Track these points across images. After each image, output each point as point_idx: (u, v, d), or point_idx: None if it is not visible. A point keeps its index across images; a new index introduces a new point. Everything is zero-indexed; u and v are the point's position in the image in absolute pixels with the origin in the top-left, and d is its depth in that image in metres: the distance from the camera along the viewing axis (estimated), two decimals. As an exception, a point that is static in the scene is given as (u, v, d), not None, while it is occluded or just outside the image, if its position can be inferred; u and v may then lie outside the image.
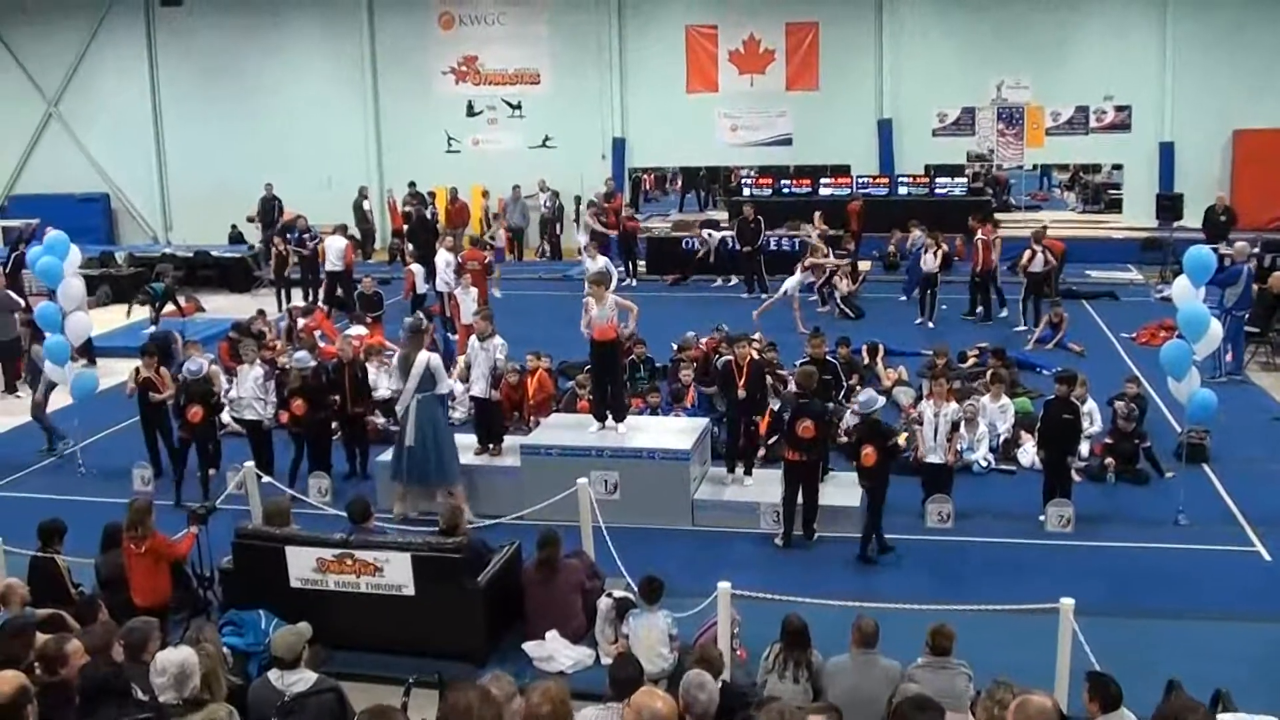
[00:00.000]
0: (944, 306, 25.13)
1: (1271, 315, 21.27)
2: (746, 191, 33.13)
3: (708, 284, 29.48)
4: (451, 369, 17.31)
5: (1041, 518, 14.32)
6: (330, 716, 7.92)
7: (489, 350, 15.71)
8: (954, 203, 30.97)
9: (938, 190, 31.87)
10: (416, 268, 25.87)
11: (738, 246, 28.40)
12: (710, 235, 29.91)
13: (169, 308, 26.66)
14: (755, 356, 15.57)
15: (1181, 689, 8.35)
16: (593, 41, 35.30)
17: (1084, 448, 15.71)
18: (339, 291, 26.65)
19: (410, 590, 11.40)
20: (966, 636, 9.37)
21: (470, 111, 36.60)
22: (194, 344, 18.10)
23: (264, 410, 16.51)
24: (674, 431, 15.71)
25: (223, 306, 28.77)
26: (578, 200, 35.00)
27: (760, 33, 34.52)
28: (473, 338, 15.72)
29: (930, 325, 24.46)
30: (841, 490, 14.84)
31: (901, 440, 14.55)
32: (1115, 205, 34.95)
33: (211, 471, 16.63)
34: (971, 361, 20.23)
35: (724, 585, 9.99)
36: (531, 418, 17.59)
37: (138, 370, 16.91)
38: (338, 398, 16.61)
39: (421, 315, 17.65)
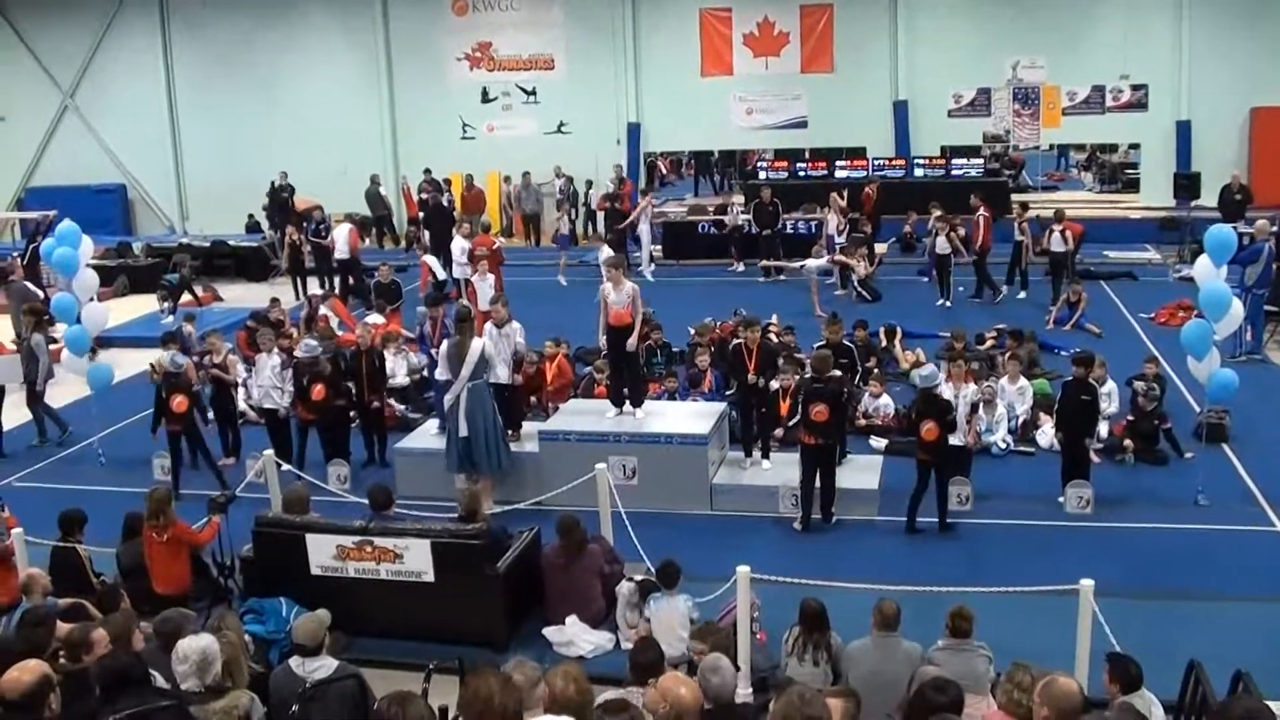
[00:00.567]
0: (960, 288, 25.09)
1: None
2: (762, 175, 33.01)
3: (724, 268, 29.42)
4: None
5: (1060, 499, 14.29)
6: (351, 703, 7.95)
7: (509, 336, 15.70)
8: (970, 184, 30.79)
9: (954, 172, 31.68)
10: (430, 259, 25.90)
11: (755, 229, 28.35)
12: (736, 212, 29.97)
13: (185, 297, 26.78)
14: (773, 339, 15.57)
15: (1204, 671, 8.34)
16: (607, 26, 35.21)
17: (1102, 428, 15.66)
18: (350, 279, 26.64)
19: (430, 576, 11.44)
20: (986, 618, 9.38)
21: (485, 98, 36.54)
22: (216, 334, 18.17)
23: (281, 399, 16.57)
24: (692, 416, 15.71)
25: (240, 295, 28.87)
26: (589, 184, 34.88)
27: (775, 15, 34.38)
28: (489, 324, 15.69)
29: (948, 305, 24.45)
30: (859, 473, 14.87)
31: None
32: (1132, 185, 34.74)
33: (231, 460, 16.76)
34: (989, 343, 20.17)
35: (743, 569, 9.99)
36: (550, 404, 17.61)
37: (159, 360, 16.98)
38: (353, 385, 16.64)
39: (466, 302, 17.59)
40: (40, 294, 23.12)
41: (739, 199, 32.32)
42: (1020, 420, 16.71)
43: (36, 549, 11.93)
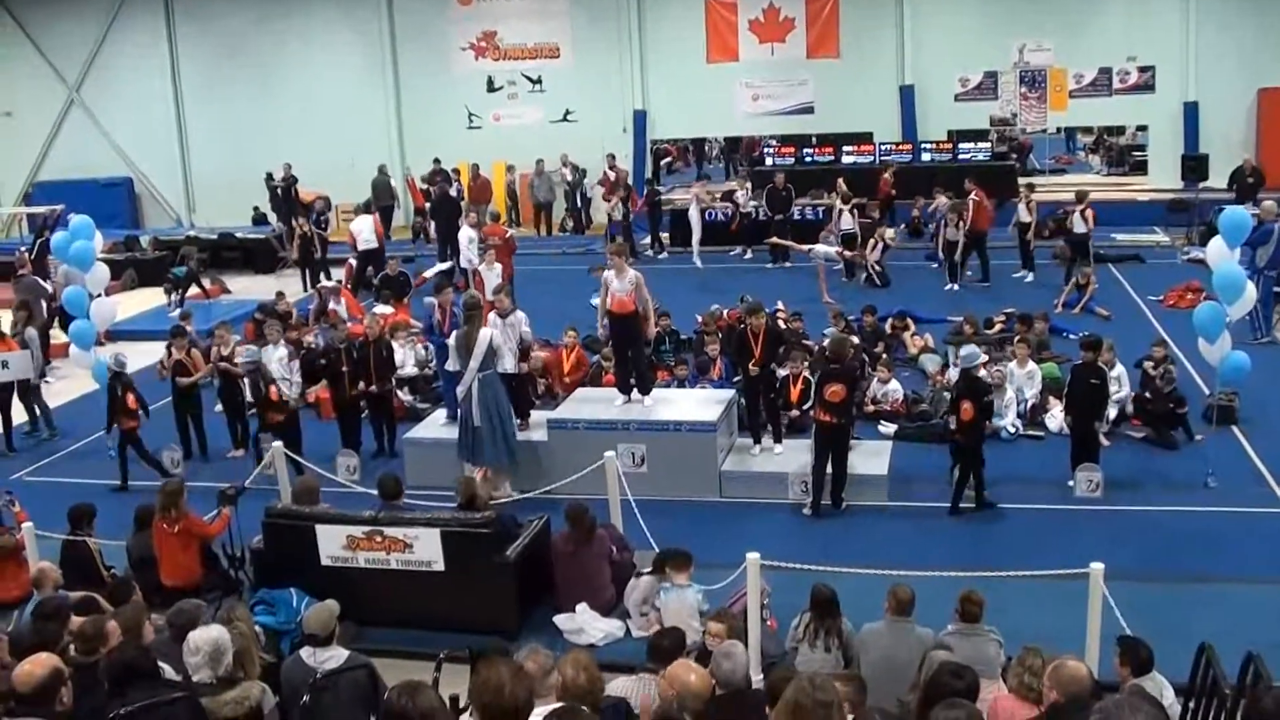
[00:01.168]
0: (969, 273, 25.08)
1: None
2: (770, 161, 32.98)
3: (726, 254, 29.39)
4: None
5: (1070, 483, 14.28)
6: (362, 693, 7.97)
7: (514, 325, 15.70)
8: (978, 168, 30.77)
9: (961, 156, 31.61)
10: (427, 272, 25.88)
11: (768, 214, 28.31)
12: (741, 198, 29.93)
13: (193, 290, 26.82)
14: (774, 324, 15.57)
15: (1214, 653, 8.33)
16: (612, 13, 35.14)
17: (1111, 412, 15.66)
18: (369, 269, 26.60)
19: (440, 565, 11.45)
20: (996, 603, 9.38)
21: (490, 87, 36.49)
22: (225, 325, 18.19)
23: (290, 390, 16.60)
24: (701, 403, 15.72)
25: (248, 287, 28.89)
26: (583, 172, 34.77)
27: (780, 1, 34.30)
28: (492, 314, 15.69)
29: (956, 289, 24.44)
30: (868, 458, 14.86)
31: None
32: (1140, 167, 34.67)
33: (240, 451, 16.81)
34: (998, 327, 20.14)
35: (753, 555, 9.99)
36: (563, 393, 17.62)
37: (169, 353, 17.03)
38: (362, 382, 16.67)
39: (475, 292, 17.60)
40: (49, 288, 23.15)
41: (746, 185, 32.28)
42: (1029, 404, 16.68)
43: (47, 543, 11.98)
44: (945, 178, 28.19)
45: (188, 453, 16.95)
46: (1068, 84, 33.28)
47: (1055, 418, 16.20)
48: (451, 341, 14.76)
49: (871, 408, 17.08)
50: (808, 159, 32.79)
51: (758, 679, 9.54)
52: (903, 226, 29.62)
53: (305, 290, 26.96)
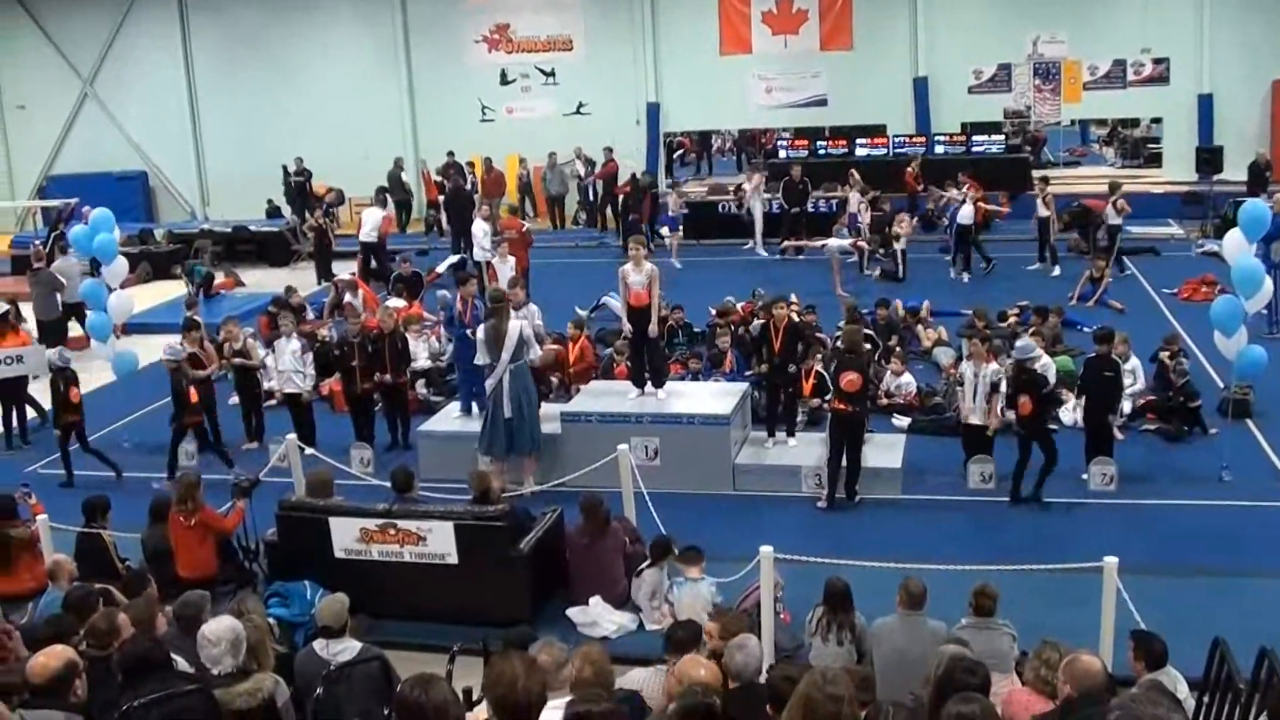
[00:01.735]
0: (982, 265, 25.01)
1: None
2: (783, 154, 32.94)
3: (739, 246, 29.38)
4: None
5: (1084, 476, 14.24)
6: (375, 685, 7.99)
7: (526, 318, 15.71)
8: (991, 160, 30.74)
9: (975, 148, 31.55)
10: (439, 267, 25.99)
11: (783, 207, 28.28)
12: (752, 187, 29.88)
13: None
14: (794, 319, 15.56)
15: (1228, 647, 8.31)
16: (625, 6, 35.10)
17: (1126, 405, 15.63)
18: (373, 263, 26.70)
19: (453, 559, 11.47)
20: (1010, 597, 9.36)
21: (504, 80, 36.47)
22: (233, 320, 18.23)
23: (303, 383, 16.65)
24: (714, 396, 15.71)
25: (261, 280, 28.92)
26: (591, 163, 34.73)
27: (793, -7, 34.30)
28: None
29: (965, 278, 24.37)
30: (881, 452, 14.85)
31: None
32: (1155, 159, 34.62)
33: (255, 444, 16.85)
34: (1012, 320, 20.10)
35: (766, 549, 10.00)
36: (573, 385, 17.64)
37: (183, 346, 17.06)
38: (377, 374, 16.70)
39: (500, 286, 17.65)
40: (64, 282, 23.20)
41: (760, 177, 32.26)
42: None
43: (62, 535, 12.02)
44: (959, 170, 28.06)
45: (202, 446, 16.98)
46: (1082, 76, 33.18)
47: (1069, 411, 16.17)
48: (480, 335, 14.72)
49: (885, 401, 17.07)
50: (821, 152, 32.72)
51: (770, 672, 9.58)
52: (916, 219, 29.53)
53: (319, 283, 27.01)
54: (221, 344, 17.69)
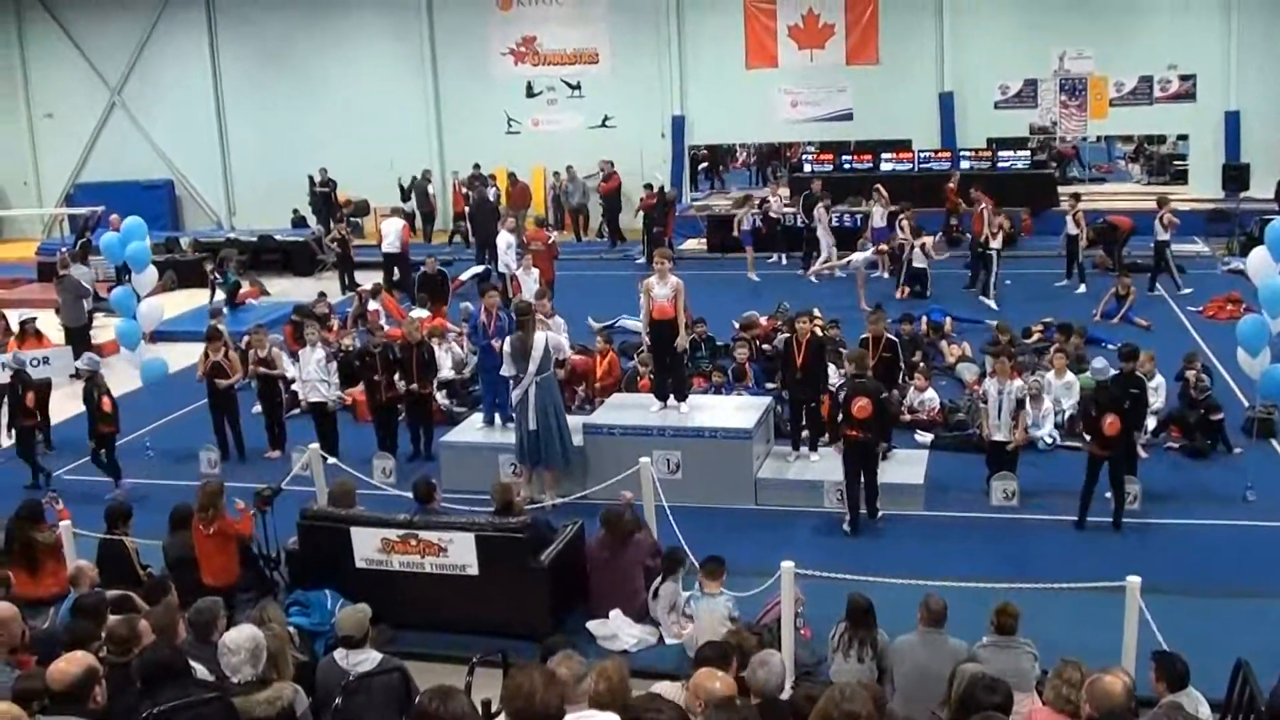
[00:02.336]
0: (1008, 282, 24.85)
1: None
2: (808, 168, 32.92)
3: (763, 260, 29.37)
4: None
5: (1108, 495, 14.15)
6: (395, 696, 7.99)
7: (553, 330, 15.74)
8: (1017, 176, 30.65)
9: (1000, 164, 31.48)
10: (463, 275, 26.16)
11: (805, 221, 28.22)
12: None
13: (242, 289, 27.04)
14: (816, 333, 15.53)
15: (1251, 670, 8.27)
16: (651, 19, 35.14)
17: (1150, 423, 15.58)
18: (396, 273, 26.76)
19: (474, 570, 11.48)
20: (1031, 615, 9.30)
21: (530, 92, 36.54)
22: (261, 328, 18.32)
23: (328, 392, 16.71)
24: (736, 410, 15.71)
25: (287, 290, 29.02)
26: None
27: (819, 7, 34.17)
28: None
29: (991, 303, 24.21)
30: (904, 467, 14.82)
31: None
32: (1181, 176, 34.48)
33: (277, 453, 16.90)
34: (1036, 337, 20.06)
35: (787, 564, 9.99)
36: (598, 398, 17.66)
37: (207, 355, 17.15)
38: (403, 382, 16.75)
39: (525, 298, 17.73)
40: (91, 289, 23.33)
41: (784, 191, 32.29)
42: (1067, 415, 16.57)
43: (84, 541, 12.06)
44: (984, 185, 27.94)
45: (225, 454, 17.07)
46: (1108, 92, 33.08)
47: (1094, 429, 16.12)
48: (506, 348, 14.76)
49: (908, 416, 17.04)
50: (846, 166, 32.67)
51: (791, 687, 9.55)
52: (940, 235, 29.42)
53: (343, 293, 27.10)
54: (246, 351, 17.78)
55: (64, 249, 27.09)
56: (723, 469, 14.65)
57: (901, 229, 25.73)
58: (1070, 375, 17.01)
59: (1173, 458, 15.73)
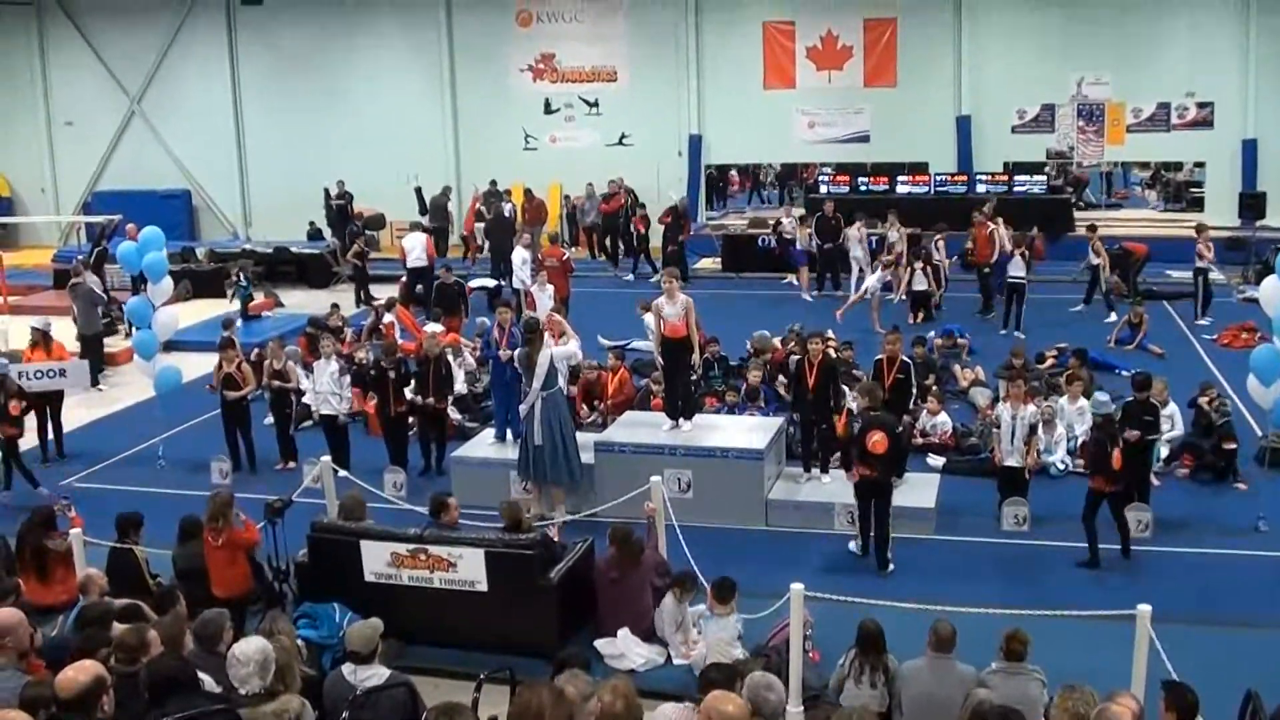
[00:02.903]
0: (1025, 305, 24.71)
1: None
2: (824, 189, 32.92)
3: (778, 280, 29.36)
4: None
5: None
6: (401, 711, 7.98)
7: (569, 344, 15.75)
8: (1033, 201, 30.62)
9: (1017, 188, 31.43)
10: (474, 282, 26.32)
11: (818, 243, 28.21)
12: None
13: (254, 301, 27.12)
14: (830, 354, 15.52)
15: (1261, 701, 8.23)
16: (670, 38, 35.21)
17: (1163, 450, 15.55)
18: (419, 288, 26.77)
19: (483, 586, 11.48)
20: (1041, 642, 9.29)
21: (548, 109, 36.63)
22: (278, 340, 18.37)
23: (339, 405, 16.74)
24: (749, 430, 15.69)
25: (302, 302, 29.09)
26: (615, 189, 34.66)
27: (838, 29, 34.26)
28: (547, 335, 15.72)
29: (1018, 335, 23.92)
30: (915, 491, 14.77)
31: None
32: (1197, 204, 34.37)
33: (291, 465, 16.91)
34: (1050, 362, 20.03)
35: (797, 586, 9.96)
36: (610, 415, 17.66)
37: (220, 365, 17.20)
38: (419, 397, 16.78)
39: (534, 314, 17.79)
40: (104, 296, 23.40)
41: (798, 211, 32.28)
42: (1080, 441, 16.52)
43: (95, 549, 12.08)
44: (1000, 210, 27.81)
45: (236, 465, 17.10)
46: (1125, 118, 33.09)
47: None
48: (515, 363, 14.83)
49: (920, 440, 17.01)
50: (862, 188, 32.67)
51: (797, 710, 9.55)
52: (955, 259, 29.34)
53: (357, 306, 27.15)
54: (259, 363, 17.82)
55: (79, 257, 27.18)
56: (734, 489, 14.62)
57: (937, 249, 25.71)
58: (1083, 401, 16.95)
59: (1185, 486, 15.68)
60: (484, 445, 16.32)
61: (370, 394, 16.90)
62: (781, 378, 18.43)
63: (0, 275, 27.84)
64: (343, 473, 14.36)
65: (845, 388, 16.65)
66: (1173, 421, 16.26)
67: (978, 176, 32.06)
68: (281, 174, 37.36)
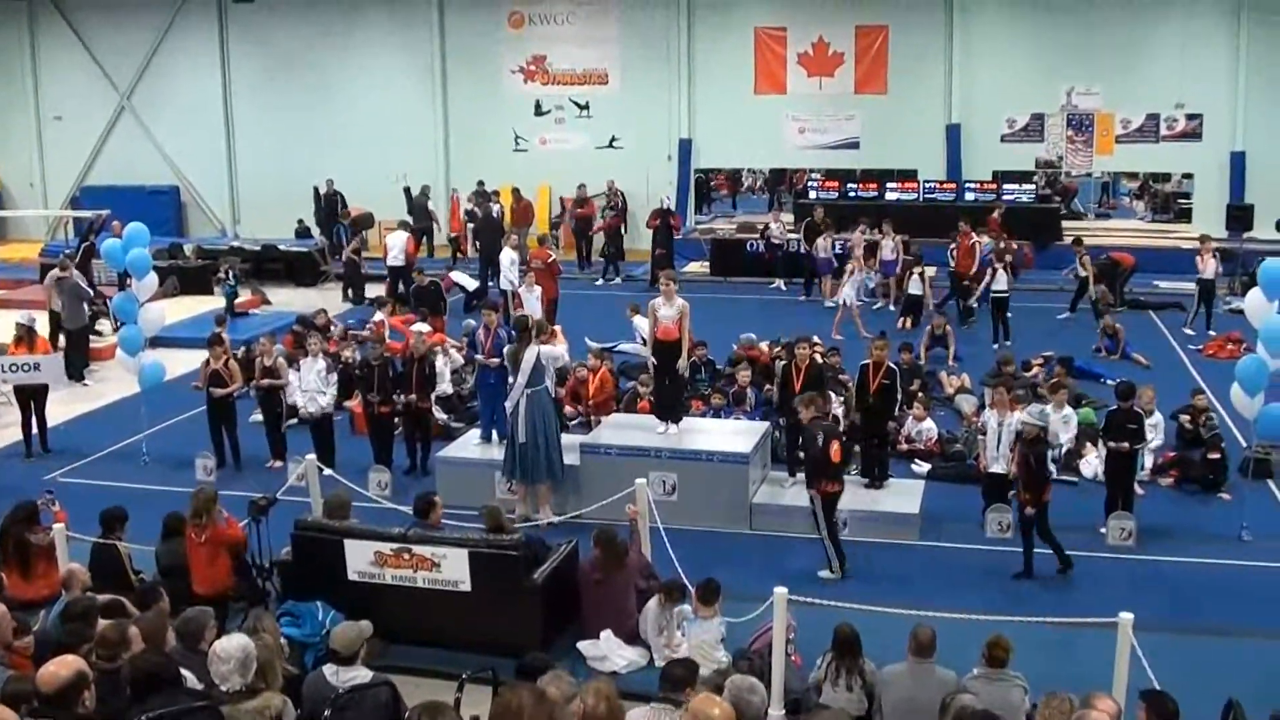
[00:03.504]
0: (1010, 314, 24.74)
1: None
2: (813, 195, 32.97)
3: (765, 285, 29.41)
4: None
5: (1102, 530, 14.18)
6: (383, 711, 7.96)
7: (553, 348, 15.75)
8: (1022, 209, 30.69)
9: (1005, 196, 31.49)
10: (456, 274, 26.31)
11: (806, 248, 28.26)
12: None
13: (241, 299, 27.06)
14: (817, 359, 15.54)
15: (1242, 710, 8.26)
16: (661, 42, 35.22)
17: (1147, 460, 15.60)
18: (400, 287, 26.83)
19: (467, 586, 11.45)
20: (1023, 649, 9.31)
21: (538, 111, 36.61)
22: (269, 337, 18.36)
23: (323, 401, 16.73)
24: (734, 434, 15.70)
25: (289, 300, 29.06)
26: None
27: (830, 35, 34.32)
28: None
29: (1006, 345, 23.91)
30: (900, 497, 14.81)
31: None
32: (1185, 215, 34.51)
33: (280, 463, 16.88)
34: (1036, 370, 20.06)
35: (780, 590, 9.95)
36: (594, 416, 17.67)
37: (208, 362, 17.17)
38: (402, 394, 16.77)
39: (525, 313, 17.79)
40: (91, 292, 23.33)
41: (788, 217, 32.36)
42: (1064, 449, 16.56)
43: (78, 545, 12.04)
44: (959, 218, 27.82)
45: (221, 462, 17.05)
46: (1115, 128, 33.19)
47: (1090, 464, 16.13)
48: (505, 360, 14.87)
49: (906, 446, 17.04)
50: (851, 194, 32.75)
51: (779, 714, 9.55)
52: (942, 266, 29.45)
53: (343, 303, 27.27)
54: (251, 360, 17.80)
55: (66, 251, 27.11)
56: (719, 492, 14.63)
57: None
58: (1068, 409, 17.01)
59: (1169, 495, 15.73)
60: (469, 445, 16.30)
61: (356, 392, 16.89)
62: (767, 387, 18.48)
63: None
64: (328, 471, 14.35)
65: (832, 393, 16.71)
66: (1157, 431, 16.29)
67: (967, 184, 32.17)
68: (270, 172, 37.29)
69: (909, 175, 33.34)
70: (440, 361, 18.94)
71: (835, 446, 13.35)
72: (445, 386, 19.05)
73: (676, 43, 35.07)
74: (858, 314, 24.15)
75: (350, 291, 28.76)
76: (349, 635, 8.41)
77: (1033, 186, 32.65)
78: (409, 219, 30.90)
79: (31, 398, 17.94)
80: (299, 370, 17.28)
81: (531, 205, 34.10)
